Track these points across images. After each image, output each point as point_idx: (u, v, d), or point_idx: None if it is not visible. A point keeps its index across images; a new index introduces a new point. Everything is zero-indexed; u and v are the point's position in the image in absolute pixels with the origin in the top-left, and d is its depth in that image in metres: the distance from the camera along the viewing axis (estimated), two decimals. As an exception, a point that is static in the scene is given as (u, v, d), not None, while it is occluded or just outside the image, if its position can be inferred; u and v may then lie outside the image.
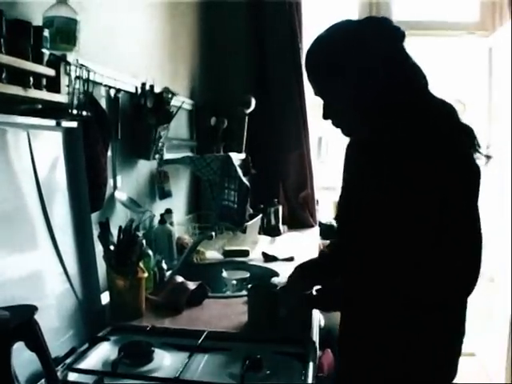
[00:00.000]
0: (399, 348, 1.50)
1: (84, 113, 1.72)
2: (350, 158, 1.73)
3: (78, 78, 1.74)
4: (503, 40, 3.78)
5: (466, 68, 5.39)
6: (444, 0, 4.28)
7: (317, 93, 1.56)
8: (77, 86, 1.71)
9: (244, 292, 2.21)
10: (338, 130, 1.59)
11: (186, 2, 3.38)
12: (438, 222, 1.37)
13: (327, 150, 4.76)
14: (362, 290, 1.52)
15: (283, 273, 2.46)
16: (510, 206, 3.52)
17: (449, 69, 5.82)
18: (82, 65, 1.75)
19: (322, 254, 1.96)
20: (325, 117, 1.56)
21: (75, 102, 1.69)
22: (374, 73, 1.44)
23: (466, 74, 5.43)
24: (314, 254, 3.18)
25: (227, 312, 1.96)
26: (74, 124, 1.68)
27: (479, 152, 1.45)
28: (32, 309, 0.97)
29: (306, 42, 3.99)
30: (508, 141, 3.52)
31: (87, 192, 1.75)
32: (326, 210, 4.40)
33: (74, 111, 1.67)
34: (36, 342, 0.97)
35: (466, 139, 1.43)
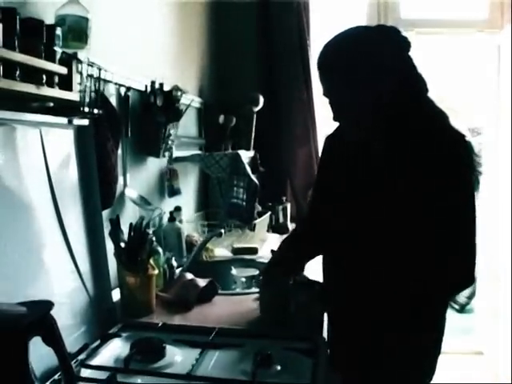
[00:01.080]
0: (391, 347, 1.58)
1: (95, 111, 1.73)
2: (338, 152, 1.77)
3: (89, 76, 1.74)
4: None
5: (475, 65, 5.38)
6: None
7: (325, 93, 1.62)
8: (88, 84, 1.72)
9: (254, 289, 2.22)
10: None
11: (196, 1, 3.39)
12: (434, 222, 1.47)
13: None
14: (359, 286, 1.59)
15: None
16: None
17: (458, 66, 5.83)
18: (93, 63, 1.76)
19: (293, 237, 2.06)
20: (335, 119, 1.63)
21: (87, 100, 1.69)
22: (379, 78, 1.52)
23: (475, 71, 5.43)
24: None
25: (237, 309, 1.96)
26: (85, 122, 1.69)
27: (476, 156, 1.52)
28: (49, 304, 0.98)
29: (314, 41, 4.00)
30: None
31: (98, 189, 1.76)
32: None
33: (86, 109, 1.68)
34: (53, 337, 0.98)
35: (463, 145, 1.50)
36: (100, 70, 1.80)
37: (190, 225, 2.95)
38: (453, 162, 1.49)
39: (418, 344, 1.58)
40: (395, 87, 1.53)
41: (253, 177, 2.80)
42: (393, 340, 1.56)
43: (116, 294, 1.90)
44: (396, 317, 1.55)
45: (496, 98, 4.12)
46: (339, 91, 1.59)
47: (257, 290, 2.14)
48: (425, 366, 1.66)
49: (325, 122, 4.22)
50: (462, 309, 5.31)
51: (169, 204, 2.69)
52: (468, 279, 1.52)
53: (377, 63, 1.52)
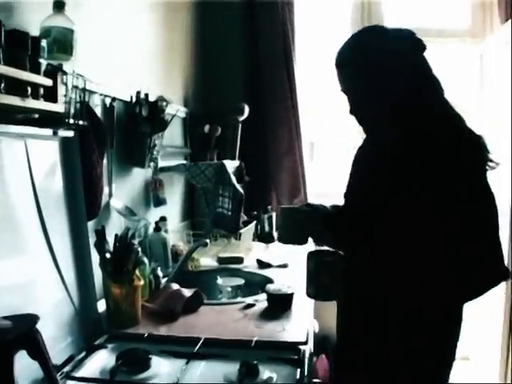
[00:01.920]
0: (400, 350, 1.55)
1: (80, 122, 1.73)
2: (362, 158, 1.84)
3: (74, 87, 1.75)
4: (494, 47, 3.82)
5: (457, 74, 5.43)
6: (435, 7, 4.31)
7: (343, 89, 1.68)
8: (73, 96, 1.72)
9: (239, 299, 2.23)
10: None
11: (181, 11, 3.40)
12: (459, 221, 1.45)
13: (320, 155, 4.78)
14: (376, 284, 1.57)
15: (277, 279, 2.48)
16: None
17: (441, 74, 5.85)
18: (78, 74, 1.76)
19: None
20: (351, 112, 1.70)
21: (72, 111, 1.70)
22: (396, 76, 1.57)
23: (458, 79, 5.47)
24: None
25: (223, 319, 1.97)
26: (70, 133, 1.70)
27: (490, 160, 1.55)
28: (34, 318, 0.98)
29: (299, 49, 4.03)
30: (502, 144, 3.56)
31: (83, 200, 1.76)
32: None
33: (71, 120, 1.68)
34: (38, 351, 0.98)
35: (478, 146, 1.54)
36: (85, 81, 1.80)
37: (175, 234, 2.95)
38: (472, 163, 1.50)
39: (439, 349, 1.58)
40: (411, 86, 1.56)
41: (238, 186, 2.81)
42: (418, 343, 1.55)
43: (102, 305, 1.89)
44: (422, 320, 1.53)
45: (479, 105, 4.16)
46: (356, 89, 1.65)
47: (242, 299, 2.16)
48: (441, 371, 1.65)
49: (310, 130, 4.25)
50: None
51: (154, 214, 2.69)
52: (501, 274, 1.51)
53: (394, 61, 1.57)
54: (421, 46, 1.61)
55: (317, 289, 1.66)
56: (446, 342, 1.60)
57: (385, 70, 1.57)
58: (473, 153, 1.51)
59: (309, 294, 1.69)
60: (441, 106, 1.60)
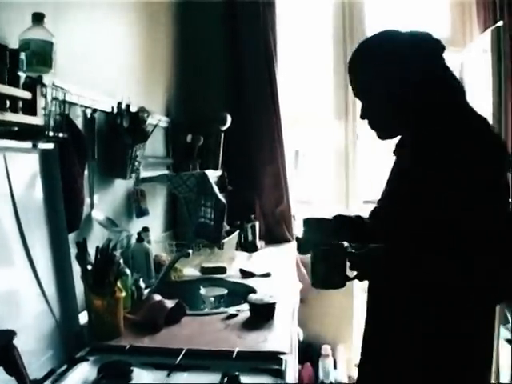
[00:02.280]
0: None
1: (60, 134, 1.73)
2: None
3: (54, 99, 1.75)
4: (474, 55, 3.87)
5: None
6: (415, 17, 4.36)
7: (357, 94, 1.66)
8: (53, 108, 1.72)
9: (222, 309, 2.23)
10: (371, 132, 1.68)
11: (161, 20, 3.40)
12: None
13: (304, 163, 4.79)
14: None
15: (260, 289, 2.48)
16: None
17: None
18: (58, 86, 1.76)
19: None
20: (362, 117, 1.67)
21: (51, 123, 1.69)
22: (412, 79, 1.55)
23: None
24: (292, 269, 3.22)
25: (205, 329, 1.97)
26: (50, 146, 1.69)
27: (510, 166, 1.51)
28: (10, 334, 0.98)
29: (281, 57, 4.05)
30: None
31: (64, 212, 1.75)
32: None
33: (51, 133, 1.68)
34: (15, 367, 0.98)
35: (499, 150, 1.48)
36: (65, 93, 1.80)
37: (158, 245, 2.94)
38: (496, 166, 1.45)
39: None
40: (424, 90, 1.55)
41: (220, 196, 2.81)
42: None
43: (84, 317, 1.89)
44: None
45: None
46: (366, 94, 1.64)
47: (225, 309, 2.17)
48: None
49: (294, 138, 4.28)
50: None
51: (137, 225, 2.69)
52: None
53: (404, 66, 1.55)
54: (439, 47, 1.60)
55: (314, 277, 1.63)
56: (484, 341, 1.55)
57: (394, 75, 1.56)
58: (487, 160, 1.44)
59: (311, 284, 1.68)
60: (457, 109, 1.55)
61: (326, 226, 1.82)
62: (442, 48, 1.60)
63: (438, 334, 1.49)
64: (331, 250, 1.62)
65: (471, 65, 4.00)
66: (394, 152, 1.74)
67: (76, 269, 1.82)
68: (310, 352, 3.88)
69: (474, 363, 1.52)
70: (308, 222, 1.85)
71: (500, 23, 3.48)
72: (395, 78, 1.56)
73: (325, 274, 1.62)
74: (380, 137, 1.69)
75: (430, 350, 1.49)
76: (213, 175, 3.10)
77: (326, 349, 3.94)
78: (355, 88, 1.66)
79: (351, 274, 1.59)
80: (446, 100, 1.55)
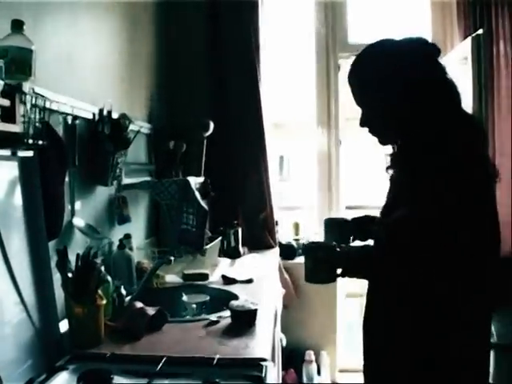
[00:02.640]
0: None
1: (40, 142, 1.72)
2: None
3: (33, 106, 1.74)
4: (455, 63, 3.91)
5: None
6: (396, 24, 4.40)
7: (358, 103, 1.71)
8: (32, 116, 1.71)
9: (204, 315, 2.23)
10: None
11: (143, 25, 3.40)
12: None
13: (289, 168, 4.82)
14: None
15: (242, 295, 2.48)
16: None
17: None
18: (37, 94, 1.76)
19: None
20: (362, 124, 1.72)
21: (31, 131, 1.69)
22: (410, 89, 1.58)
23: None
24: (274, 275, 3.22)
25: (187, 336, 1.97)
26: (29, 153, 1.69)
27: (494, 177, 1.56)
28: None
29: (264, 64, 4.07)
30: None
31: (43, 220, 1.75)
32: (285, 231, 4.45)
33: (30, 141, 1.67)
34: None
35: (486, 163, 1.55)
36: (45, 100, 1.79)
37: (140, 252, 2.94)
38: (481, 182, 1.51)
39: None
40: (420, 98, 1.58)
41: (202, 203, 2.81)
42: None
43: (65, 325, 1.88)
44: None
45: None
46: (365, 103, 1.70)
47: (206, 316, 2.17)
48: None
49: (278, 143, 4.30)
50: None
51: (119, 231, 2.68)
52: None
53: (408, 72, 1.58)
54: (435, 51, 1.64)
55: (305, 272, 1.76)
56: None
57: (395, 82, 1.60)
58: (474, 171, 1.50)
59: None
60: (455, 113, 1.61)
61: (344, 226, 1.97)
62: (438, 51, 1.65)
63: (431, 333, 1.54)
64: (316, 247, 1.74)
65: (452, 72, 4.03)
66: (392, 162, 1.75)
67: (57, 276, 1.81)
68: (293, 358, 3.89)
69: (471, 365, 1.56)
70: (328, 223, 2.02)
71: (480, 31, 3.53)
72: (396, 86, 1.60)
73: (311, 269, 1.74)
74: (381, 143, 1.73)
75: (427, 350, 1.54)
76: (195, 182, 3.10)
77: (309, 354, 3.95)
78: (356, 98, 1.70)
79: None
80: (445, 106, 1.59)
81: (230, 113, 4.01)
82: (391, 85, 1.60)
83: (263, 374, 1.58)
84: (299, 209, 4.90)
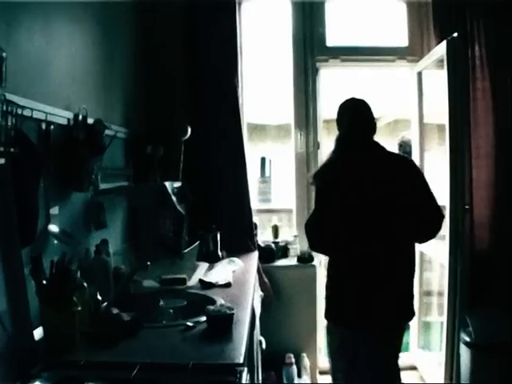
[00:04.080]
0: None
1: (12, 149, 1.71)
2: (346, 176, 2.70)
3: (5, 113, 1.73)
4: (431, 65, 3.97)
5: (398, 89, 5.59)
6: (373, 27, 4.44)
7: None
8: (3, 123, 1.70)
9: (180, 321, 2.23)
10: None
11: (120, 29, 3.39)
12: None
13: (270, 170, 4.83)
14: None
15: (220, 299, 2.48)
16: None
17: (384, 90, 6.04)
18: (9, 101, 1.75)
19: None
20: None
21: (2, 138, 1.68)
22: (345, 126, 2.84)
23: (399, 94, 5.63)
24: (253, 279, 3.23)
25: (162, 342, 1.97)
26: (1, 161, 1.68)
27: None
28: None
29: (242, 66, 4.11)
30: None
31: (16, 227, 1.73)
32: (264, 234, 4.46)
33: (1, 148, 1.66)
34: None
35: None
36: (17, 106, 1.78)
37: (117, 257, 2.92)
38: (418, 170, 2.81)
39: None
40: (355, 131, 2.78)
41: (179, 208, 2.81)
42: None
43: (40, 333, 1.86)
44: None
45: (418, 117, 4.32)
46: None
47: (183, 321, 2.16)
48: None
49: (260, 145, 4.31)
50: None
51: (95, 237, 2.67)
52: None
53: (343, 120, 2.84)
54: (357, 106, 2.85)
55: None
56: None
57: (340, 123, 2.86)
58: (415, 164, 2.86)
59: None
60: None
61: None
62: (358, 107, 2.89)
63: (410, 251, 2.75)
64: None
65: (428, 74, 4.10)
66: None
67: (32, 283, 1.80)
68: (273, 360, 3.89)
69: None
70: None
71: (455, 34, 3.56)
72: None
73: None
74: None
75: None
76: (172, 186, 3.10)
77: (289, 357, 3.96)
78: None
79: None
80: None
81: (208, 116, 4.02)
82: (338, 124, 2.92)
83: (237, 380, 1.58)
84: (279, 211, 4.92)
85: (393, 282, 2.61)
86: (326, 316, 2.75)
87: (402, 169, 2.72)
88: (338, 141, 2.81)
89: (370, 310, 2.56)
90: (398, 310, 2.68)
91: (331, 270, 2.74)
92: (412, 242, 2.74)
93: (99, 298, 2.22)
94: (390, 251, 2.61)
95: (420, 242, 2.89)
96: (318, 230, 2.64)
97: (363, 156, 2.71)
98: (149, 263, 2.49)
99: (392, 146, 5.48)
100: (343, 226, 2.58)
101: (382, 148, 2.76)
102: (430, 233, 2.73)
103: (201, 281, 2.87)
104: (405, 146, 5.17)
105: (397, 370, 2.79)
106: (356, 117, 2.79)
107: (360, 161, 2.69)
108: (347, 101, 2.86)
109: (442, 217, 2.72)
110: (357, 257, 2.58)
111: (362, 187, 2.59)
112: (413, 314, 2.76)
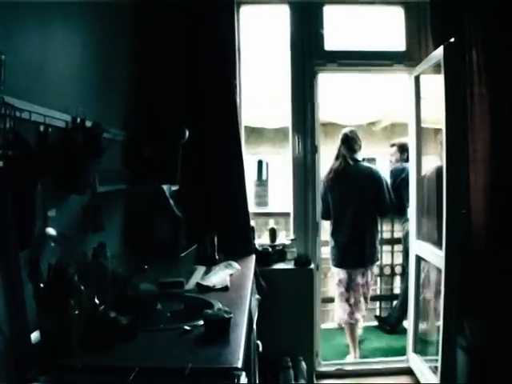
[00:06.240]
0: None
1: (9, 152, 1.70)
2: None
3: (3, 116, 1.73)
4: (428, 70, 3.98)
5: (396, 93, 5.61)
6: (371, 32, 4.46)
7: None
8: (1, 126, 1.70)
9: (177, 325, 2.22)
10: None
11: (118, 32, 3.39)
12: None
13: (267, 173, 4.83)
14: None
15: (217, 303, 2.48)
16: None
17: (380, 95, 6.06)
18: (7, 103, 1.74)
19: None
20: None
21: (0, 141, 1.67)
22: None
23: (396, 99, 5.65)
24: (251, 282, 3.22)
25: (160, 346, 1.97)
26: (-1, 164, 1.67)
27: None
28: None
29: (241, 69, 4.11)
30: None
31: (14, 231, 1.73)
32: (261, 238, 4.46)
33: (-1, 151, 1.66)
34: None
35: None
36: (14, 109, 1.78)
37: (115, 260, 2.91)
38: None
39: None
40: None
41: (176, 211, 2.81)
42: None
43: (37, 336, 1.86)
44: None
45: (416, 121, 4.33)
46: None
47: (180, 325, 2.16)
48: None
49: (257, 148, 4.32)
50: (393, 330, 5.43)
51: (93, 240, 2.66)
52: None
53: None
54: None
55: None
56: None
57: None
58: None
59: None
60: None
61: None
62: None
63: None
64: None
65: (426, 79, 4.11)
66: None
67: (29, 287, 1.80)
68: (270, 364, 3.89)
69: None
70: None
71: (452, 39, 3.58)
72: None
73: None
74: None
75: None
76: (170, 189, 3.10)
77: (286, 361, 3.95)
78: None
79: None
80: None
81: (206, 120, 4.02)
82: None
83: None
84: (276, 215, 4.93)
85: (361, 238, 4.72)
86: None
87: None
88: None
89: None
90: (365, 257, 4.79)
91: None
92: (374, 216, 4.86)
93: (97, 301, 2.21)
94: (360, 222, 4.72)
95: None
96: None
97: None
98: (146, 266, 2.48)
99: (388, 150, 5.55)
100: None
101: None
102: (381, 213, 4.97)
103: (198, 284, 2.86)
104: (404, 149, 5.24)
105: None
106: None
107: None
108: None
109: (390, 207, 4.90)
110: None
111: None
112: (376, 260, 4.99)
